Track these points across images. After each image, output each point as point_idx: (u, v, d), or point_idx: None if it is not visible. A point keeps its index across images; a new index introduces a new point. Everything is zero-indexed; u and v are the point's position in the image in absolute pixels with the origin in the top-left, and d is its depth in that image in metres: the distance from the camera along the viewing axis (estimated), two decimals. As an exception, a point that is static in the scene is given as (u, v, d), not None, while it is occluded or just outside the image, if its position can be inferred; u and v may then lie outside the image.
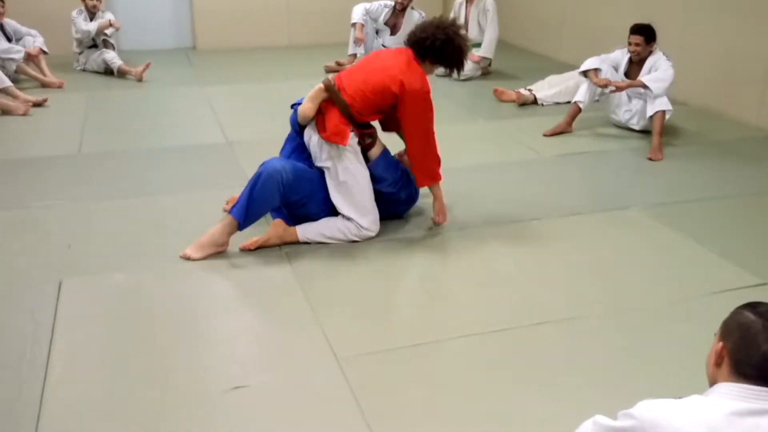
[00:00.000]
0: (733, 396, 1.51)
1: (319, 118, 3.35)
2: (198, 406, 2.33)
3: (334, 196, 3.36)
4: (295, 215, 3.43)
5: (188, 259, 3.22)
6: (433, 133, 3.51)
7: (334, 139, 3.27)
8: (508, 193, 4.17)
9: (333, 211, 3.40)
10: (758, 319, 1.52)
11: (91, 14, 6.93)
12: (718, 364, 1.59)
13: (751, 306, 1.57)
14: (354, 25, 7.26)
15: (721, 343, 1.58)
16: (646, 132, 5.10)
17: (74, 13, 6.87)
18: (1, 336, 2.70)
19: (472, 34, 7.08)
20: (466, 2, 7.17)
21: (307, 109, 3.33)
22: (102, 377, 2.47)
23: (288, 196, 3.28)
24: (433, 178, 3.53)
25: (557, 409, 2.29)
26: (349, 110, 3.29)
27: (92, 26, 6.86)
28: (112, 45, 7.07)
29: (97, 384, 2.43)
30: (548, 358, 2.60)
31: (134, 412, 2.29)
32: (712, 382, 1.60)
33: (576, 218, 3.82)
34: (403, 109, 3.38)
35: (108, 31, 6.95)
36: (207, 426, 2.24)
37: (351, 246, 3.38)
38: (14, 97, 5.73)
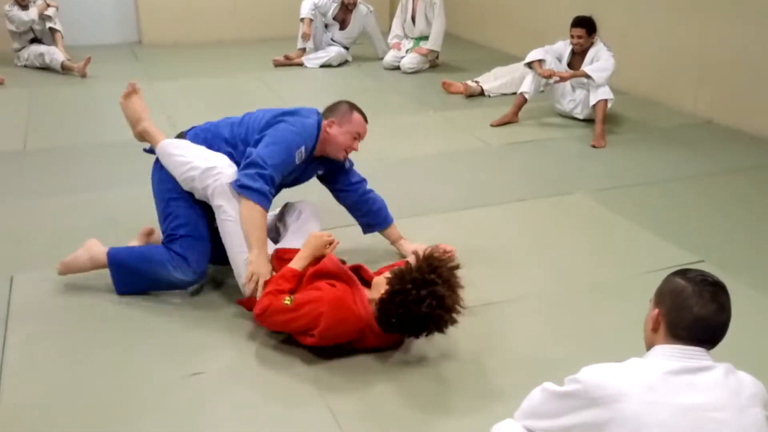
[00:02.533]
0: (668, 356, 1.62)
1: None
2: (155, 394, 2.35)
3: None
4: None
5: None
6: None
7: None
8: (457, 181, 4.27)
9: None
10: (688, 284, 1.63)
11: (23, 6, 6.70)
12: (654, 329, 1.69)
13: (682, 273, 1.68)
14: (302, 20, 7.28)
15: (657, 310, 1.69)
16: (589, 121, 5.26)
17: (6, 7, 6.64)
18: (-47, 331, 2.67)
19: (420, 27, 7.18)
20: (414, -4, 7.25)
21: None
22: (58, 368, 2.47)
23: None
24: None
25: (506, 384, 2.39)
26: None
27: (32, 13, 6.66)
28: (60, 32, 6.89)
29: (54, 375, 2.44)
30: (496, 337, 2.69)
31: (91, 401, 2.30)
32: (650, 347, 1.71)
33: (522, 204, 3.94)
34: None
35: (50, 12, 6.76)
36: (164, 412, 2.27)
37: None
38: (-46, 94, 5.59)
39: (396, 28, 7.36)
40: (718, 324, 1.61)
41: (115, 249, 2.91)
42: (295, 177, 3.06)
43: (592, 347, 2.60)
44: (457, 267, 2.41)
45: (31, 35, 6.87)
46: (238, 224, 2.71)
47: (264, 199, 2.72)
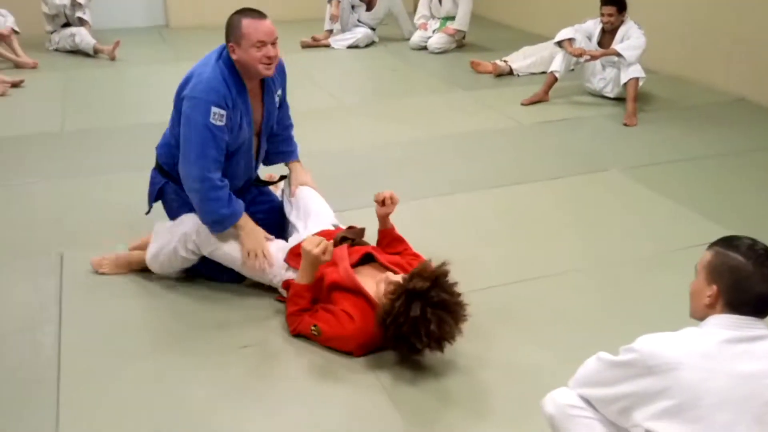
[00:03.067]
0: (724, 326, 1.64)
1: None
2: (214, 364, 2.42)
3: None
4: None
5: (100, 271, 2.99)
6: None
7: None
8: (489, 160, 4.30)
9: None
10: (747, 261, 1.62)
11: None
12: (711, 305, 1.68)
13: (733, 245, 1.65)
14: (330, 1, 7.29)
15: (714, 287, 1.68)
16: (619, 99, 5.25)
17: None
18: (10, 305, 2.76)
19: (447, 7, 7.16)
20: (440, -25, 7.22)
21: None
22: (112, 341, 2.55)
23: None
24: None
25: (553, 356, 2.43)
26: None
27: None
28: (88, 23, 6.98)
29: (109, 347, 2.52)
30: (540, 311, 2.74)
31: (146, 370, 2.39)
32: (701, 318, 1.71)
33: (556, 181, 3.96)
34: None
35: (81, 0, 6.85)
36: (217, 381, 2.34)
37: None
38: (-10, 77, 5.68)
39: (422, 8, 7.35)
40: None
41: None
42: (255, 119, 2.84)
43: (635, 320, 2.63)
44: (443, 275, 2.34)
45: (63, 20, 6.95)
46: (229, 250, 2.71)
47: (229, 214, 2.68)
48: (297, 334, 2.55)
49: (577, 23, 5.36)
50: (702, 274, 1.73)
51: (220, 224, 2.69)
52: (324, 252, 2.46)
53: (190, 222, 2.75)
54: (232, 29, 2.68)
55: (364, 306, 2.44)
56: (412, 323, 2.24)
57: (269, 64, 2.68)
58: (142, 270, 2.94)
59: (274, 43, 2.67)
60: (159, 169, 2.97)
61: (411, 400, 2.26)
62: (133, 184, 3.83)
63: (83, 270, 2.98)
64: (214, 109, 2.60)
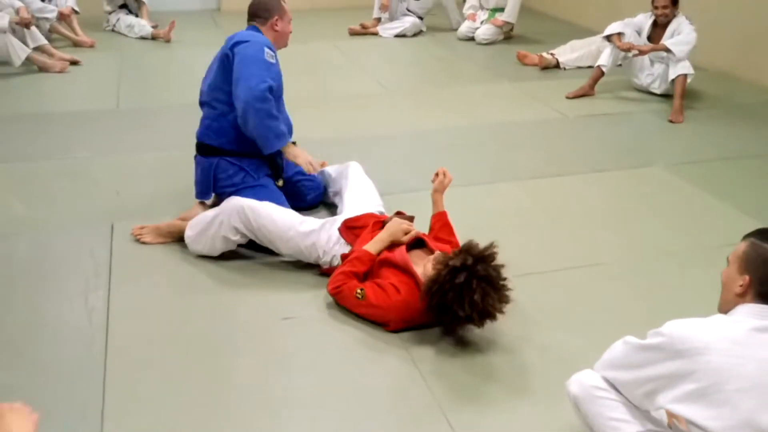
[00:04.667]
0: (754, 315, 1.67)
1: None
2: (250, 334, 2.53)
3: None
4: None
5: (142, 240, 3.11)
6: None
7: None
8: (533, 150, 4.32)
9: None
10: None
11: None
12: (742, 294, 1.72)
13: (766, 237, 1.69)
14: (380, -11, 7.35)
15: (747, 277, 1.71)
16: (667, 96, 5.20)
17: None
18: (65, 270, 2.91)
19: (496, -2, 7.16)
20: (490, -33, 7.22)
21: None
22: (159, 308, 2.67)
23: None
24: None
25: (587, 342, 2.47)
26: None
27: None
28: (145, 5, 7.15)
29: (156, 314, 2.64)
30: (576, 298, 2.78)
31: (191, 339, 2.50)
32: (731, 308, 1.74)
33: (599, 174, 3.97)
34: None
35: None
36: (259, 351, 2.44)
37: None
38: (50, 54, 5.88)
39: (472, -2, 7.36)
40: None
41: None
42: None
43: (668, 312, 2.59)
44: (492, 255, 2.40)
45: (121, 1, 7.15)
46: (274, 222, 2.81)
47: (287, 132, 3.10)
48: (335, 295, 2.61)
49: (628, 17, 5.33)
50: (735, 264, 1.76)
51: (281, 138, 3.05)
52: (406, 233, 2.69)
53: (239, 200, 2.87)
54: (274, 8, 3.21)
55: (410, 283, 2.51)
56: (458, 290, 2.30)
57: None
58: (182, 239, 3.04)
59: None
60: (205, 150, 3.18)
61: (447, 375, 2.33)
62: (182, 161, 3.96)
63: (132, 240, 3.11)
64: (266, 50, 3.07)
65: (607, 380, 1.84)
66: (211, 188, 3.24)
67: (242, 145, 3.13)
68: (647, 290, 2.85)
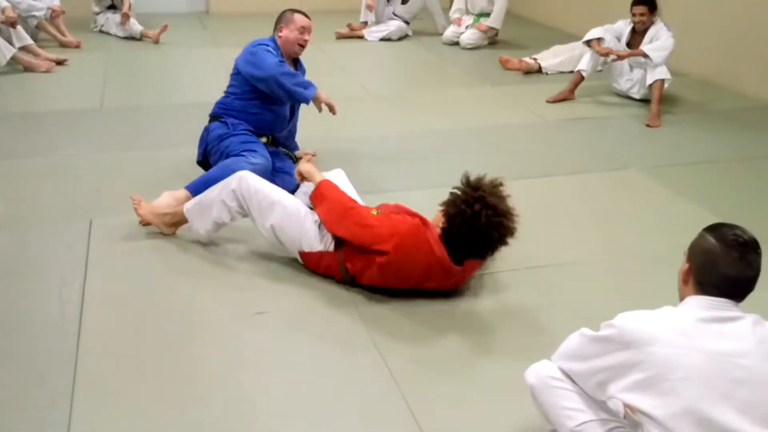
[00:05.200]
0: (700, 306, 1.72)
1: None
2: (222, 328, 2.57)
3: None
4: None
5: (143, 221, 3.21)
6: None
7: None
8: (512, 153, 4.38)
9: None
10: (718, 243, 1.72)
11: None
12: (685, 281, 1.80)
13: (714, 229, 1.76)
14: (366, -8, 7.43)
15: (687, 264, 1.79)
16: (646, 101, 5.28)
17: None
18: (42, 265, 2.94)
19: (481, 3, 7.23)
20: (476, -27, 7.29)
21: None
22: (132, 302, 2.71)
23: None
24: None
25: (555, 338, 2.51)
26: None
27: None
28: (129, 2, 7.16)
29: (129, 308, 2.68)
30: (548, 296, 2.84)
31: (162, 333, 2.53)
32: (682, 297, 1.82)
33: (576, 176, 4.03)
34: None
35: None
36: (228, 346, 2.48)
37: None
38: (36, 54, 5.91)
39: (458, 3, 7.42)
40: (745, 280, 1.70)
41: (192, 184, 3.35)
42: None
43: (633, 307, 2.70)
44: (499, 183, 2.63)
45: (109, 2, 7.19)
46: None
47: (309, 82, 3.59)
48: (345, 212, 2.67)
49: (609, 24, 5.40)
50: (686, 254, 1.83)
51: (310, 87, 3.56)
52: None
53: (242, 171, 2.95)
54: (283, 18, 3.63)
55: (422, 224, 2.63)
56: (478, 201, 2.53)
57: (303, 46, 3.64)
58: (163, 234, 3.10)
59: (309, 33, 3.63)
60: (211, 119, 3.71)
61: (414, 370, 2.38)
62: (164, 160, 4.03)
63: (108, 236, 3.15)
64: (263, 45, 3.55)
65: (562, 371, 1.89)
66: (204, 144, 3.65)
67: (240, 116, 3.61)
68: (619, 289, 2.91)
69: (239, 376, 2.33)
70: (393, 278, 2.67)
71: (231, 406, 2.20)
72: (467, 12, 7.39)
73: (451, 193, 2.62)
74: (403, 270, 2.63)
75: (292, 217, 2.81)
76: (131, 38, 7.10)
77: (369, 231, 2.62)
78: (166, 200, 3.26)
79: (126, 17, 7.00)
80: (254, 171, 3.06)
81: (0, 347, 2.42)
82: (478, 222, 2.51)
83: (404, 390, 2.28)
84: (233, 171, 3.00)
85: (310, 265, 2.86)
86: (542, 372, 1.92)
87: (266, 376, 2.34)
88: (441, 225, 2.62)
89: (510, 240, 2.59)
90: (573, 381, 1.87)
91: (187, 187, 3.32)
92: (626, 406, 1.86)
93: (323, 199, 2.75)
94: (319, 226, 2.82)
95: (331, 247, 2.78)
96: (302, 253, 2.86)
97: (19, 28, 5.85)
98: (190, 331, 2.55)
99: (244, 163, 3.27)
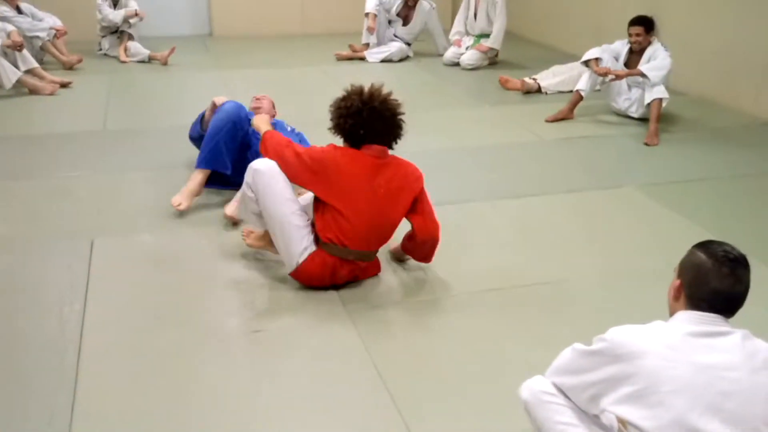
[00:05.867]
0: (690, 321, 1.75)
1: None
2: (219, 345, 2.59)
3: None
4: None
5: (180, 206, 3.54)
6: None
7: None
8: (510, 171, 4.42)
9: None
10: (708, 259, 1.75)
11: (115, 1, 7.17)
12: (676, 298, 1.82)
13: (704, 246, 1.80)
14: (367, 15, 7.50)
15: (678, 281, 1.82)
16: (644, 120, 5.31)
17: (99, 0, 7.11)
18: (43, 285, 2.97)
19: (481, 25, 7.31)
20: (475, -6, 7.37)
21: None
22: (132, 318, 2.74)
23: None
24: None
25: (549, 354, 2.53)
26: None
27: (118, 17, 7.10)
28: (130, 35, 7.28)
29: (129, 323, 2.71)
30: (542, 313, 2.85)
31: (161, 348, 2.56)
32: (672, 313, 1.84)
33: (573, 194, 4.06)
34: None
35: (132, 20, 7.19)
36: (225, 363, 2.50)
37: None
38: (41, 77, 5.99)
39: (458, 24, 7.51)
40: (735, 296, 1.72)
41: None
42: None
43: (628, 323, 2.72)
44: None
45: (114, 28, 7.29)
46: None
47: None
48: (285, 149, 2.91)
49: (608, 44, 5.46)
50: (676, 270, 1.86)
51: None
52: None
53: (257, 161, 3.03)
54: None
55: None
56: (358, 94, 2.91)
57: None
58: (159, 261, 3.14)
59: None
60: None
61: (411, 388, 2.39)
62: (165, 181, 4.07)
63: (109, 256, 3.19)
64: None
65: (556, 385, 1.91)
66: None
67: None
68: (613, 306, 2.92)
69: (239, 395, 2.35)
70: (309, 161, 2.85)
71: (230, 427, 2.21)
72: (467, 33, 7.46)
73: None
74: (314, 154, 2.87)
75: (285, 224, 2.89)
76: (139, 62, 7.20)
77: (292, 148, 2.91)
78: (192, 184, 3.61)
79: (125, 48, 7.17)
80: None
81: (0, 365, 2.44)
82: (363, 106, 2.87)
83: (400, 405, 2.29)
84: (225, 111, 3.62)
85: (305, 275, 2.89)
86: (536, 387, 1.93)
87: (263, 394, 2.36)
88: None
89: (403, 120, 3.00)
90: (566, 396, 1.88)
91: (198, 165, 3.66)
92: (619, 420, 1.88)
93: (265, 147, 3.00)
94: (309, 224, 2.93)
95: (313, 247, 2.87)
96: (297, 269, 2.90)
97: (25, 51, 5.93)
98: (188, 347, 2.57)
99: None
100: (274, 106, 4.12)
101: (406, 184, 2.92)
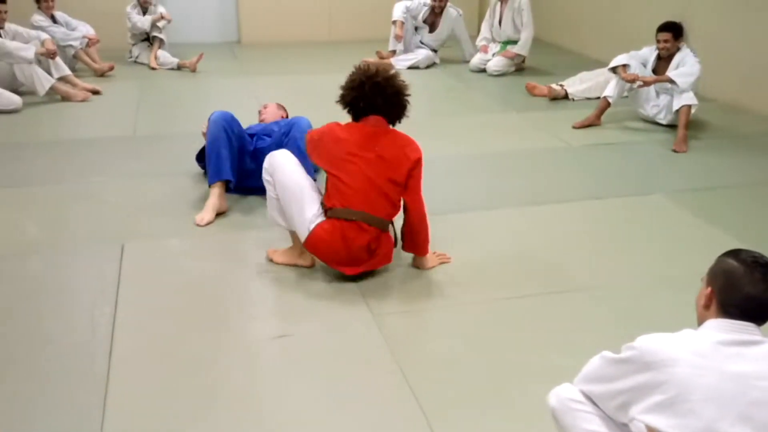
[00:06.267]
0: (719, 329, 1.73)
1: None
2: (246, 350, 2.61)
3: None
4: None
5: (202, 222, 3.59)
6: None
7: None
8: (536, 178, 4.40)
9: None
10: (740, 265, 1.74)
11: (144, 9, 7.30)
12: (707, 306, 1.80)
13: (734, 253, 1.78)
14: (394, 22, 7.53)
15: (709, 288, 1.80)
16: (672, 126, 5.27)
17: (128, 8, 7.24)
18: (74, 288, 3.03)
19: (507, 31, 7.31)
20: (501, 1, 7.37)
21: None
22: (161, 323, 2.78)
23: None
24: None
25: (576, 361, 2.52)
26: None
27: (146, 23, 7.22)
28: (161, 40, 7.39)
29: (158, 328, 2.74)
30: (569, 321, 2.84)
31: (189, 354, 2.59)
32: (701, 323, 1.82)
33: (599, 201, 4.04)
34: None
35: (160, 24, 7.30)
36: (252, 368, 2.52)
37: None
38: (73, 84, 6.10)
39: (484, 31, 7.52)
40: (767, 301, 1.71)
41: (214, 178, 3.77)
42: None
43: (658, 332, 2.69)
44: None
45: (144, 35, 7.41)
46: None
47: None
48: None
49: (635, 50, 5.43)
50: (704, 279, 1.84)
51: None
52: None
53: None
54: None
55: None
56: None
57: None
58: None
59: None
60: None
61: (435, 390, 2.39)
62: (191, 185, 4.12)
63: (140, 259, 3.24)
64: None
65: (584, 393, 1.90)
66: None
67: None
68: (640, 314, 2.90)
69: (264, 397, 2.37)
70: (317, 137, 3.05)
71: (257, 427, 2.23)
72: (493, 40, 7.46)
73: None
74: (316, 129, 3.11)
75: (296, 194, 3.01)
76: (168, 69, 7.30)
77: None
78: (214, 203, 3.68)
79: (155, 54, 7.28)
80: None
81: (32, 368, 2.49)
82: (363, 82, 2.97)
83: (426, 410, 2.30)
84: (213, 122, 3.83)
85: (317, 241, 2.94)
86: (564, 395, 1.92)
87: (287, 398, 2.37)
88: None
89: (407, 101, 3.04)
90: (594, 403, 1.87)
91: (210, 182, 3.74)
92: (648, 429, 1.86)
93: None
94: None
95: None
96: (309, 237, 2.95)
97: (58, 59, 6.05)
98: (216, 354, 2.60)
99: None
100: (282, 108, 4.46)
101: (402, 153, 3.01)
